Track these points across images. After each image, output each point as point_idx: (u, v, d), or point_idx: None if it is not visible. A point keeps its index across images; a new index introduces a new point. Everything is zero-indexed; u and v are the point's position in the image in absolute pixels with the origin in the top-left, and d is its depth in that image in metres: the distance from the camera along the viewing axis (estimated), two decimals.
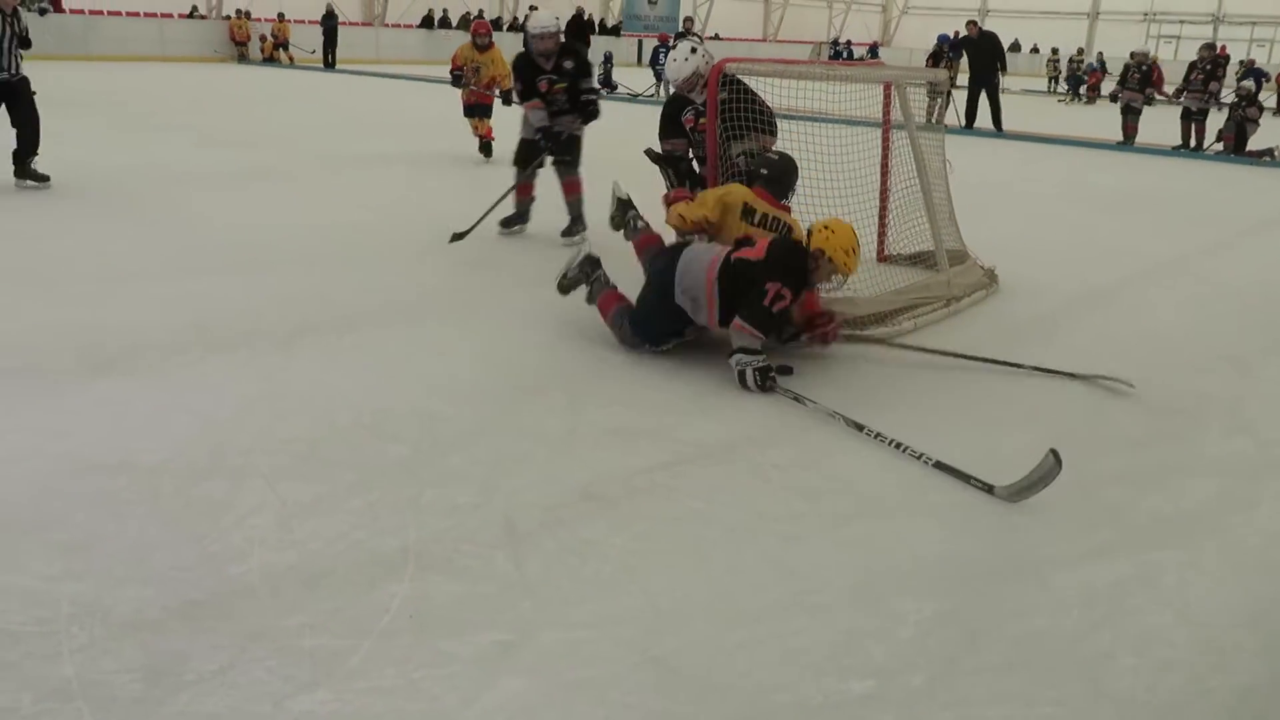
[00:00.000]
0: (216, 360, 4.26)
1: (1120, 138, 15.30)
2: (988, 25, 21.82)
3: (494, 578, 2.71)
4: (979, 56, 15.93)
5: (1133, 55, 16.07)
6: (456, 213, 7.22)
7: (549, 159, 6.78)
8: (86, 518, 2.89)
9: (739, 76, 5.20)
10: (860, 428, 3.77)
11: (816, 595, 2.70)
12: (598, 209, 6.09)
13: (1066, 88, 27.41)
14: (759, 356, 4.15)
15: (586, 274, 4.77)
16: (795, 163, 4.95)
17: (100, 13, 24.74)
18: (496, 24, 32.66)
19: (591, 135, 7.03)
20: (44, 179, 7.81)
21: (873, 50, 33.39)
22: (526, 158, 6.83)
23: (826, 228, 4.27)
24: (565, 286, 4.81)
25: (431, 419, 3.73)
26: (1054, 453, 3.22)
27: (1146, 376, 4.47)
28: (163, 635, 2.38)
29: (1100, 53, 30.23)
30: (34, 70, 14.59)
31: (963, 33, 16.52)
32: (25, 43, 7.82)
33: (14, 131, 7.78)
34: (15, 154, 7.80)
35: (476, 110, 10.58)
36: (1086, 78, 26.29)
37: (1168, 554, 3.02)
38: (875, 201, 6.01)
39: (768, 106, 5.31)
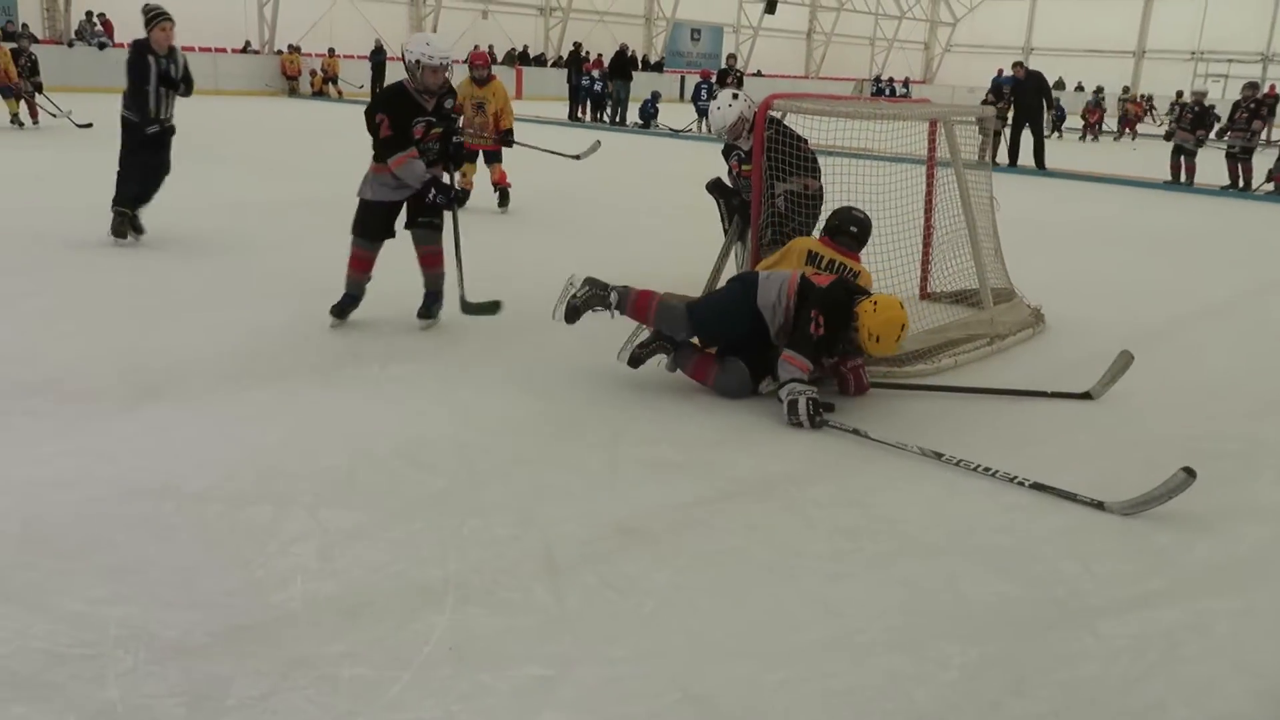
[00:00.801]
0: (261, 388, 4.31)
1: (1168, 178, 15.13)
2: (1032, 63, 21.84)
3: (534, 610, 2.70)
4: (1025, 96, 16.08)
5: (1188, 94, 16.04)
6: (496, 243, 7.31)
7: (432, 219, 5.31)
8: (133, 542, 2.93)
9: (784, 114, 5.23)
10: (939, 455, 3.79)
11: (858, 636, 2.66)
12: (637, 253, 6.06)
13: (1114, 127, 27.03)
14: (811, 388, 4.14)
15: (600, 288, 4.56)
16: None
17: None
18: (540, 59, 33.14)
19: (640, 172, 7.07)
20: (140, 230, 7.24)
21: (904, 86, 33.35)
22: (375, 225, 5.31)
23: (875, 303, 4.26)
24: (573, 317, 4.60)
25: (471, 450, 3.75)
26: (1187, 469, 3.31)
27: (1197, 420, 4.39)
28: (206, 660, 2.39)
29: (1118, 88, 29.96)
30: (93, 102, 14.98)
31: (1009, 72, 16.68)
32: (186, 83, 7.13)
33: (120, 173, 7.14)
34: (133, 198, 7.12)
35: (471, 155, 9.05)
36: (1088, 117, 25.73)
37: (1221, 602, 2.95)
38: (919, 238, 5.99)
39: (809, 149, 5.33)
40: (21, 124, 14.43)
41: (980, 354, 5.23)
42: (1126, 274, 8.03)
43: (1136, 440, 4.26)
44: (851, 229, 4.83)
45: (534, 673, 2.42)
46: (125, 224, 6.98)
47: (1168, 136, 17.55)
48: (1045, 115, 16.22)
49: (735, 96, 5.63)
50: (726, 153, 5.86)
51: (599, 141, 9.76)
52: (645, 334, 4.58)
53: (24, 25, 23.05)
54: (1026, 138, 15.93)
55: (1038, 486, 3.57)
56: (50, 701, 2.21)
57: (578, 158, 9.81)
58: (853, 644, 2.62)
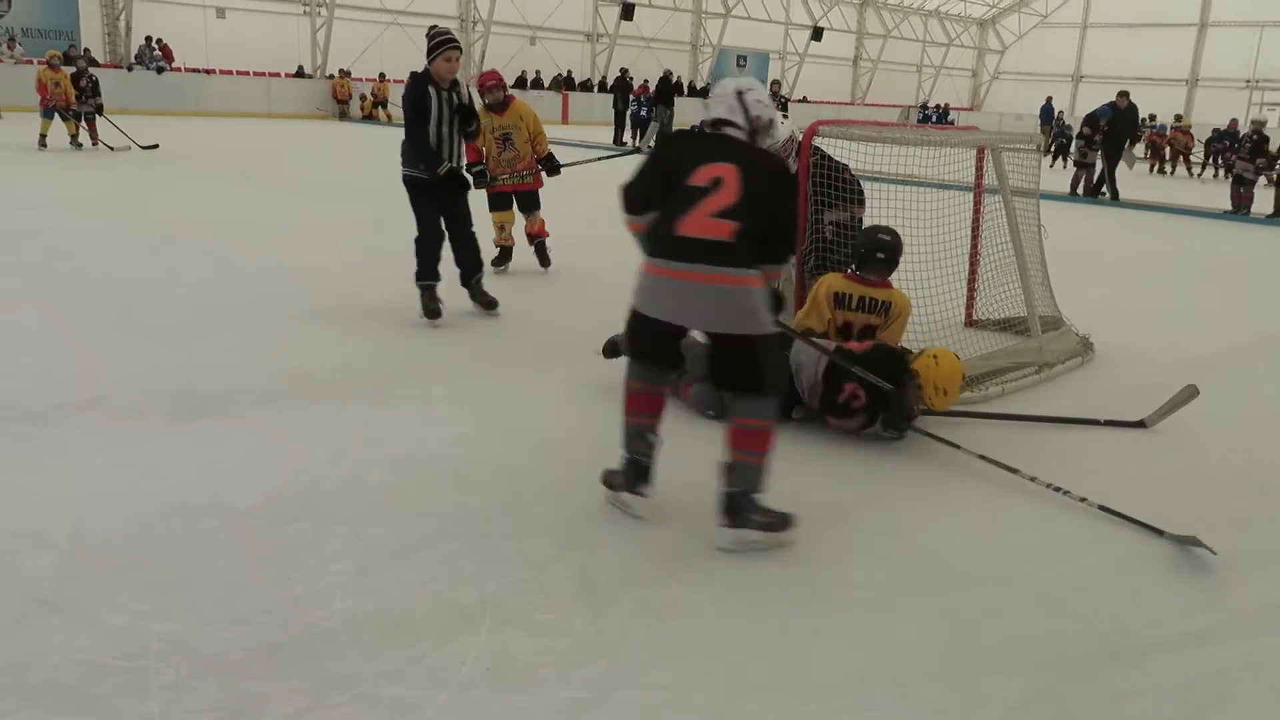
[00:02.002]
0: (308, 406, 4.36)
1: (1228, 207, 14.91)
2: (1082, 90, 21.53)
3: (571, 634, 2.69)
4: (1121, 127, 16.01)
5: (1243, 123, 15.82)
6: (543, 268, 7.35)
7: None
8: (177, 557, 2.96)
9: (830, 139, 5.21)
10: (1014, 470, 3.80)
11: (899, 667, 2.62)
12: None
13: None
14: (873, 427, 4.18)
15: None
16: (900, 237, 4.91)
17: (212, 71, 25.98)
18: (586, 85, 33.36)
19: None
20: (492, 304, 6.12)
21: (942, 115, 33.12)
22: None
23: (935, 358, 4.22)
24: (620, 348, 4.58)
25: (514, 472, 3.75)
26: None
27: (1249, 451, 4.29)
28: (245, 676, 2.41)
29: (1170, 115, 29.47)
30: (151, 125, 15.32)
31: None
32: (469, 120, 5.85)
33: (418, 239, 5.83)
34: (433, 268, 5.85)
35: (506, 200, 7.29)
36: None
37: (1277, 639, 2.86)
38: (965, 265, 5.93)
39: (852, 175, 5.31)
40: (80, 145, 14.77)
41: (1028, 382, 5.15)
42: (1178, 302, 7.89)
43: (1188, 471, 4.17)
44: (879, 255, 4.68)
45: (570, 696, 2.41)
46: (434, 300, 5.82)
47: (1228, 167, 17.36)
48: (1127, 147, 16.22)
49: (785, 117, 5.64)
50: None
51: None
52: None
53: (85, 50, 23.71)
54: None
55: (1104, 509, 3.57)
56: (93, 714, 2.24)
57: (639, 150, 9.18)
58: (893, 676, 2.58)
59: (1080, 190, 16.02)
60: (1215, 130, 24.26)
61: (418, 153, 5.55)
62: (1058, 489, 3.73)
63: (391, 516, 3.32)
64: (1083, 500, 3.65)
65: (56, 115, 14.56)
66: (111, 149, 14.57)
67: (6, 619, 2.58)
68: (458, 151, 5.76)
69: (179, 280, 6.80)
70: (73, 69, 15.07)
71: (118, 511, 3.24)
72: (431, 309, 5.79)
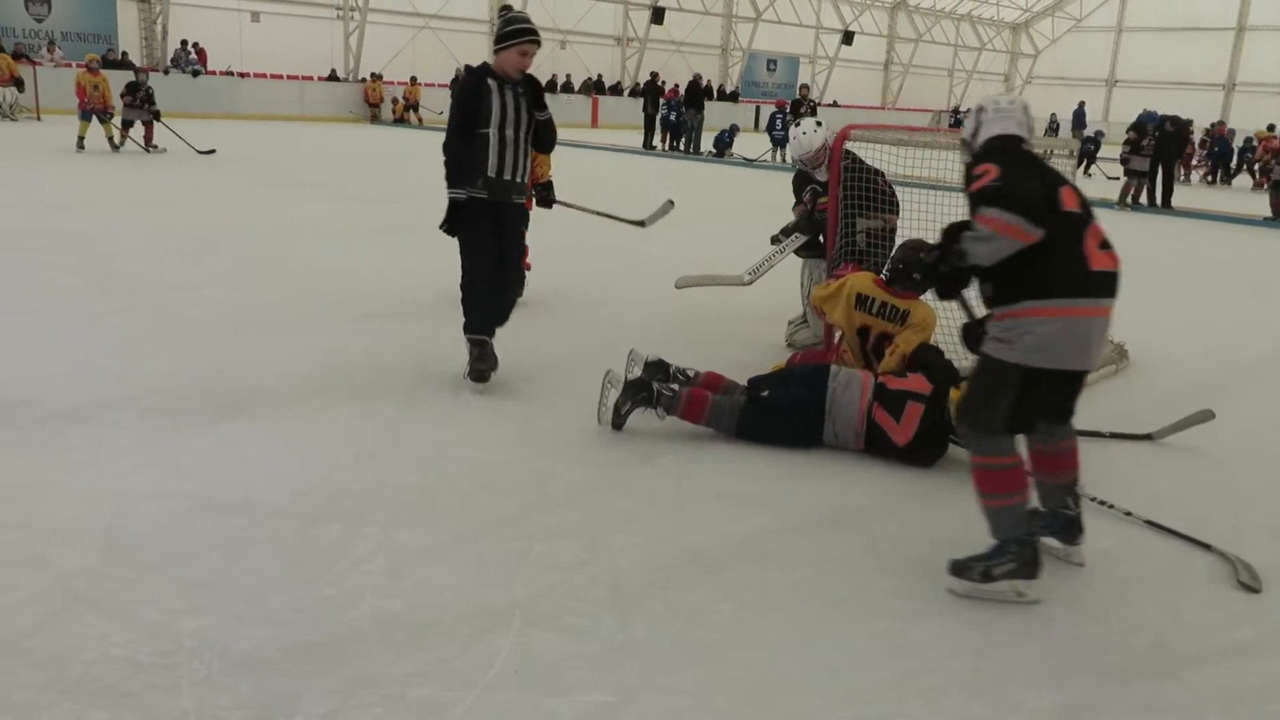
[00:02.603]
0: (339, 407, 4.38)
1: (1269, 214, 14.73)
2: (1116, 95, 21.23)
3: (599, 637, 2.68)
4: (1171, 140, 16.01)
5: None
6: (571, 271, 7.35)
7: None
8: (210, 555, 2.99)
9: (864, 144, 5.20)
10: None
11: (929, 677, 2.60)
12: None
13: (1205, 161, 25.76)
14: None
15: (644, 396, 4.20)
16: None
17: (246, 74, 26.23)
18: (616, 89, 33.43)
19: (713, 200, 7.06)
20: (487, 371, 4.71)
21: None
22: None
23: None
24: (619, 423, 4.26)
25: (542, 475, 3.76)
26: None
27: None
28: (276, 675, 2.42)
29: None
30: (186, 127, 15.48)
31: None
32: (545, 126, 4.80)
33: (464, 283, 4.75)
34: (487, 316, 4.78)
35: None
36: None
37: None
38: None
39: (887, 183, 5.29)
40: (117, 147, 14.89)
41: None
42: (1217, 310, 7.79)
43: (1226, 483, 4.11)
44: (916, 276, 4.36)
45: (598, 699, 2.40)
46: (488, 357, 4.63)
47: (1264, 173, 17.14)
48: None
49: (819, 124, 5.62)
50: (799, 184, 5.82)
51: (671, 202, 6.72)
52: (615, 393, 4.26)
53: (124, 53, 24.04)
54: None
55: (1151, 524, 3.53)
56: (128, 709, 2.26)
57: (643, 224, 6.70)
58: (924, 685, 2.56)
59: (1130, 200, 15.67)
60: (1247, 139, 23.89)
61: (454, 163, 4.49)
62: (1102, 502, 3.68)
63: (421, 517, 3.34)
64: (1128, 514, 3.61)
65: (95, 118, 14.71)
66: (148, 151, 14.75)
67: (44, 614, 2.62)
68: (524, 165, 4.68)
69: (212, 281, 6.87)
70: (132, 79, 15.14)
71: (151, 509, 3.27)
72: (480, 370, 4.61)
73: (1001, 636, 2.81)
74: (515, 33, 4.53)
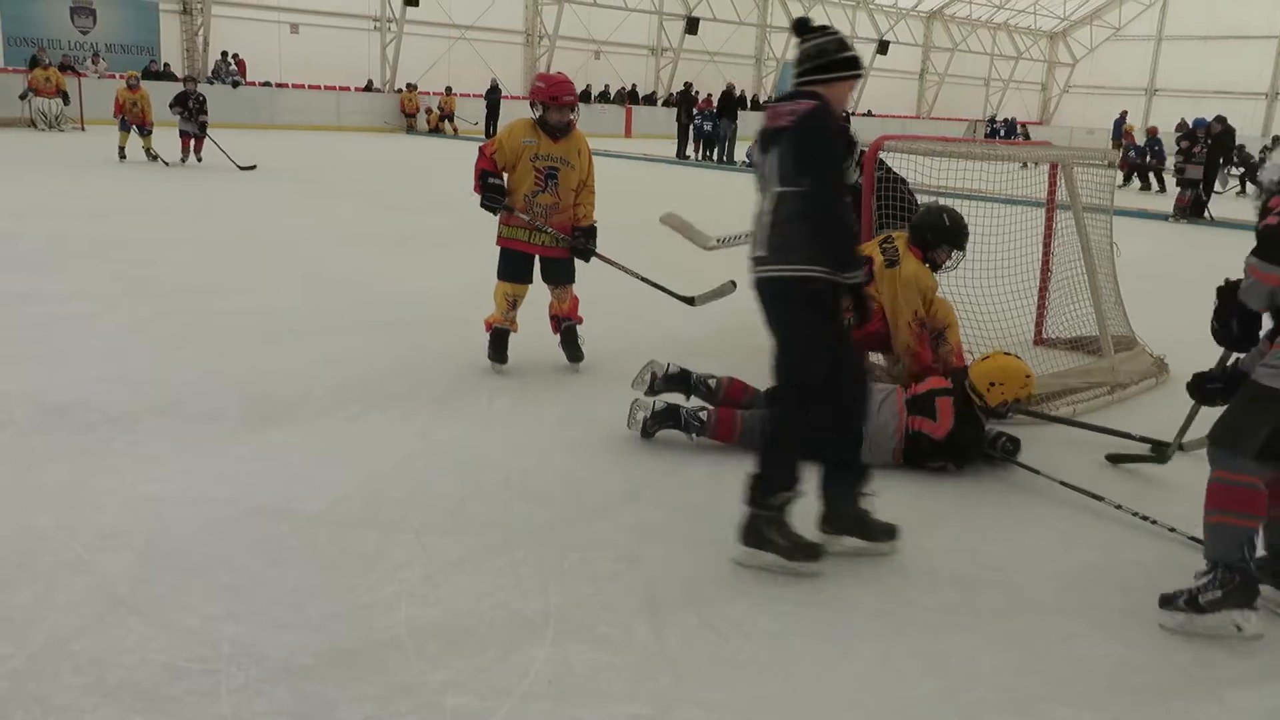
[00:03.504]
0: (375, 414, 4.42)
1: None
2: (1156, 105, 20.83)
3: (634, 648, 2.68)
4: (1222, 142, 16.04)
5: None
6: (604, 280, 7.36)
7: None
8: (248, 562, 3.02)
9: (894, 154, 5.19)
10: (1099, 498, 3.77)
11: (965, 694, 2.57)
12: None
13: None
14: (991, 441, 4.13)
15: (670, 424, 4.22)
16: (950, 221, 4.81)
17: (285, 85, 26.56)
18: (650, 99, 33.46)
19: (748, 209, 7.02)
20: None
21: (1010, 128, 32.47)
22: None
23: (992, 385, 4.13)
24: (648, 435, 4.25)
25: (577, 483, 3.77)
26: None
27: None
28: (313, 681, 2.44)
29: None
30: (225, 137, 15.57)
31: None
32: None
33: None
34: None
35: (525, 265, 5.09)
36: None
37: None
38: (1034, 283, 5.84)
39: (909, 190, 5.29)
40: (155, 157, 14.97)
41: (1100, 403, 5.04)
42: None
43: None
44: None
45: (631, 711, 2.40)
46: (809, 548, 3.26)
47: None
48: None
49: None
50: None
51: (732, 284, 5.26)
52: (648, 401, 4.27)
53: (165, 65, 24.43)
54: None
55: (1195, 540, 3.37)
56: (168, 714, 2.29)
57: (692, 301, 5.49)
58: (960, 702, 2.53)
59: (1184, 210, 15.26)
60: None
61: (836, 233, 3.16)
62: (1144, 517, 3.64)
63: (456, 526, 3.36)
64: (1172, 530, 3.56)
65: (135, 129, 14.88)
66: (166, 164, 14.67)
67: (87, 617, 2.66)
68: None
69: (250, 288, 6.96)
70: (181, 89, 15.15)
71: (191, 515, 3.31)
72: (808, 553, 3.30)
73: (1040, 653, 2.77)
74: (849, 62, 3.33)
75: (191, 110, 14.79)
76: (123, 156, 14.86)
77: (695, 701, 2.46)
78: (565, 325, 5.23)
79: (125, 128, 14.90)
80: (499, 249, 5.07)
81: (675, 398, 4.38)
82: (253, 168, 14.50)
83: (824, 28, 3.31)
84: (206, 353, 5.27)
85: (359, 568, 3.02)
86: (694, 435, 4.19)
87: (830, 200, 3.14)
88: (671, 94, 31.77)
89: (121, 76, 16.69)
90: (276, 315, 6.20)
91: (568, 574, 3.05)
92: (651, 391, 4.36)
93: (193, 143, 14.98)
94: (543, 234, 4.96)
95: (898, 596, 3.04)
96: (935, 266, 4.75)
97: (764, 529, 3.15)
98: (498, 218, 5.01)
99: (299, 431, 4.18)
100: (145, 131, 14.95)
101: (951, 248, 4.76)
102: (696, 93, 26.66)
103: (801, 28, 3.30)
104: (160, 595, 2.79)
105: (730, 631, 2.78)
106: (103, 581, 2.85)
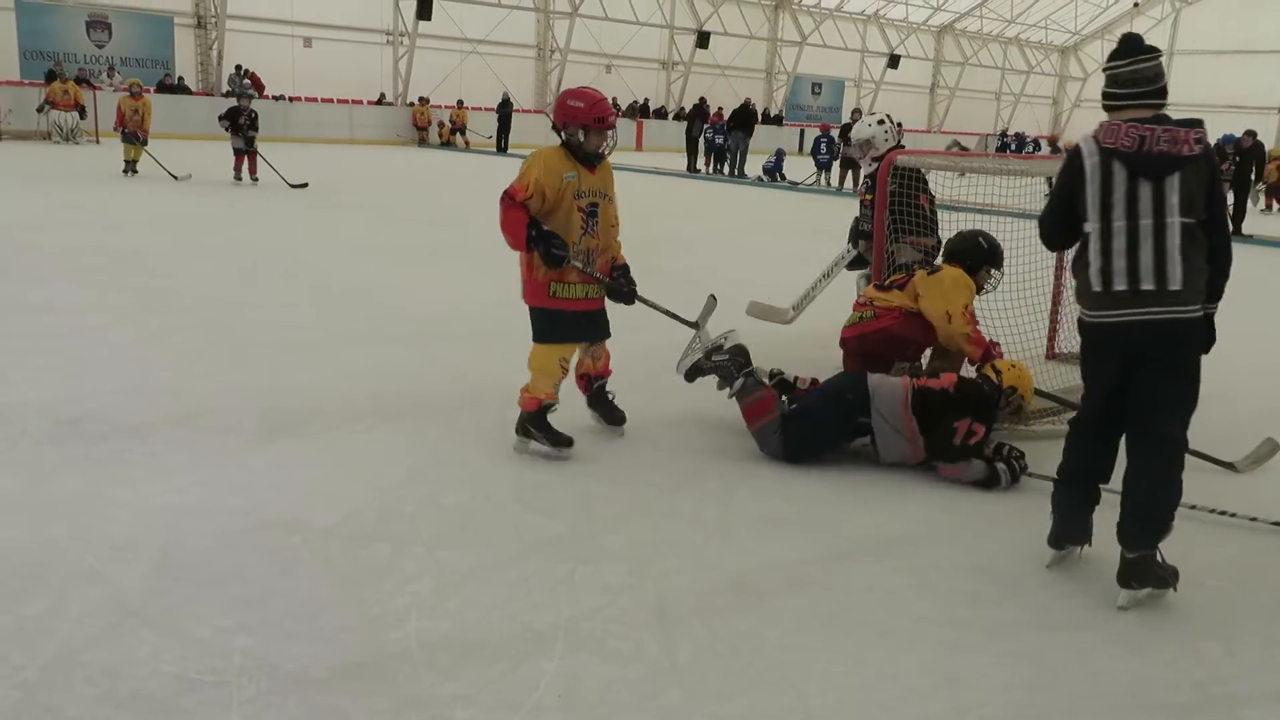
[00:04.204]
0: (387, 427, 4.43)
1: None
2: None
3: (644, 662, 2.68)
4: (1247, 164, 16.07)
5: None
6: None
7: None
8: (261, 573, 3.03)
9: (915, 168, 5.21)
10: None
11: (978, 710, 2.56)
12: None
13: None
14: (993, 464, 4.09)
15: (737, 365, 4.43)
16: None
17: (298, 98, 26.71)
18: (660, 112, 33.58)
19: (767, 220, 7.05)
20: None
21: (1020, 143, 32.44)
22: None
23: (1014, 367, 4.38)
24: (691, 376, 4.60)
25: (588, 497, 3.77)
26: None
27: None
28: (325, 693, 2.44)
29: None
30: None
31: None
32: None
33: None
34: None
35: (583, 323, 4.28)
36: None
37: None
38: (1047, 297, 5.82)
39: (930, 206, 5.32)
40: (134, 170, 14.81)
41: None
42: (1276, 340, 7.61)
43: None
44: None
45: None
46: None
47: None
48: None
49: (880, 121, 5.88)
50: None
51: (713, 298, 4.97)
52: (701, 351, 4.57)
53: (180, 78, 24.62)
54: None
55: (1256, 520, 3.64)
56: None
57: (697, 325, 4.83)
58: (974, 719, 2.52)
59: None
60: None
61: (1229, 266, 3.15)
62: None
63: (467, 538, 3.36)
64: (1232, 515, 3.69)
65: (132, 138, 14.68)
66: (176, 178, 14.43)
67: (99, 628, 2.67)
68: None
69: (263, 301, 6.99)
70: (233, 104, 14.71)
71: (205, 526, 3.33)
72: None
73: (1052, 669, 2.76)
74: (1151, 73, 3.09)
75: (242, 126, 14.38)
76: (127, 170, 14.70)
77: (705, 716, 2.45)
78: (598, 384, 4.50)
79: (128, 139, 14.77)
80: (539, 310, 4.15)
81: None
82: (304, 185, 14.22)
83: (1155, 48, 3.14)
84: (220, 365, 5.30)
85: (371, 580, 3.02)
86: (731, 391, 4.42)
87: (1229, 232, 3.20)
88: (682, 108, 31.86)
89: (123, 87, 16.60)
90: (290, 328, 6.22)
91: (578, 587, 3.05)
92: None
93: (246, 161, 14.53)
94: (599, 285, 4.18)
95: (909, 612, 3.03)
96: (980, 288, 4.87)
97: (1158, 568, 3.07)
98: (543, 274, 4.05)
99: (312, 444, 4.20)
100: (140, 140, 14.72)
101: (991, 268, 4.90)
102: (708, 107, 26.73)
103: (1135, 46, 3.11)
104: (173, 606, 2.80)
105: (740, 646, 2.78)
106: (115, 592, 2.86)
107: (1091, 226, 3.04)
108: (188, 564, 3.06)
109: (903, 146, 5.99)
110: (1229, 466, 4.48)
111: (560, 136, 4.09)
